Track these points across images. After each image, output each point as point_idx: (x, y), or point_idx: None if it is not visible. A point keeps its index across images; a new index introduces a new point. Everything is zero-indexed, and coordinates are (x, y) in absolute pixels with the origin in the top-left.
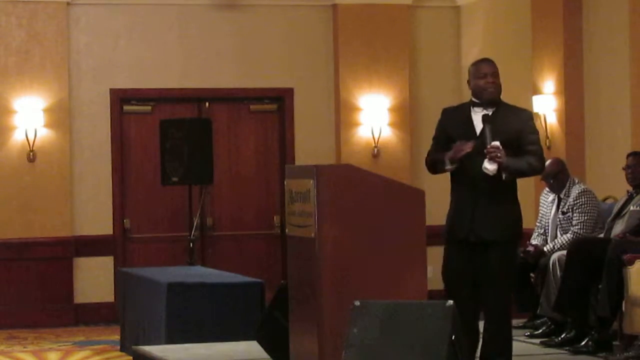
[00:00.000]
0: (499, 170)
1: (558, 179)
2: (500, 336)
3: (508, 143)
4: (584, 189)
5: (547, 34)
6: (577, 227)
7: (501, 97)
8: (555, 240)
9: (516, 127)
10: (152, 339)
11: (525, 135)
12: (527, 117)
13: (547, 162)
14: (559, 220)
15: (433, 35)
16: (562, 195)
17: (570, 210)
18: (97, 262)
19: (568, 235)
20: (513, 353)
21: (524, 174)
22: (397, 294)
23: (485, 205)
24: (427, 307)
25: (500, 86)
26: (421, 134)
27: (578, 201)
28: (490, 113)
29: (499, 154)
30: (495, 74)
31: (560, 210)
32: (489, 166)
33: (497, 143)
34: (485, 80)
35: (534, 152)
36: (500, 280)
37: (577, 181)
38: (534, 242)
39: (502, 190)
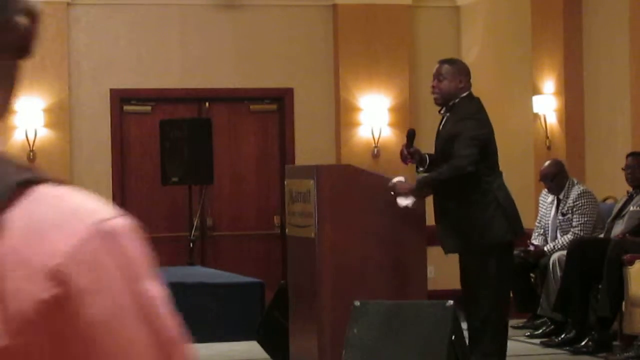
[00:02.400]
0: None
1: (557, 181)
2: (481, 345)
3: (443, 149)
4: (583, 190)
5: (547, 34)
6: (577, 228)
7: (500, 96)
8: (556, 241)
9: (449, 133)
10: None
11: (455, 139)
12: (458, 118)
13: (546, 164)
14: (559, 222)
15: (433, 35)
16: (561, 197)
17: (570, 211)
18: None
19: (568, 236)
20: (513, 353)
21: (437, 180)
22: (397, 294)
23: (443, 217)
24: (427, 307)
25: (445, 87)
26: (421, 134)
27: (578, 202)
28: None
29: (393, 191)
30: (441, 75)
31: (559, 211)
32: (399, 201)
33: (396, 180)
34: (432, 84)
35: (454, 155)
36: (473, 290)
37: (576, 182)
38: (534, 242)
39: (461, 197)
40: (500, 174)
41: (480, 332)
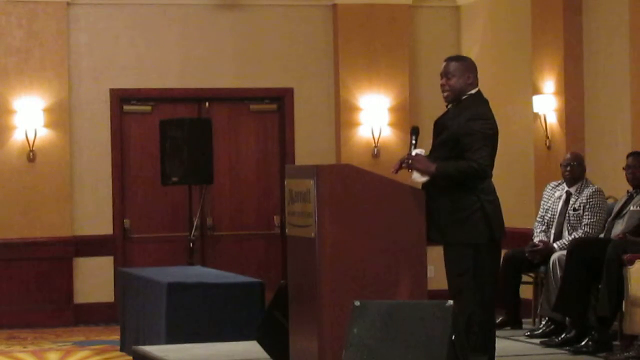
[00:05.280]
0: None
1: (574, 172)
2: (474, 336)
3: (444, 143)
4: (597, 189)
5: (547, 34)
6: (587, 226)
7: (500, 96)
8: (564, 239)
9: (453, 129)
10: (152, 339)
11: (461, 138)
12: (469, 117)
13: (568, 154)
14: (569, 217)
15: (433, 35)
16: (572, 191)
17: (582, 208)
18: (97, 262)
19: (579, 232)
20: (513, 353)
21: (455, 178)
22: (397, 294)
23: (432, 206)
24: (427, 307)
25: (454, 84)
26: (421, 134)
27: (591, 200)
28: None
29: (408, 162)
30: (449, 73)
31: (571, 206)
32: (414, 176)
33: (417, 151)
34: (440, 82)
35: (468, 157)
36: (454, 285)
37: (589, 181)
38: (538, 239)
39: (446, 191)
40: (491, 175)
41: (467, 328)
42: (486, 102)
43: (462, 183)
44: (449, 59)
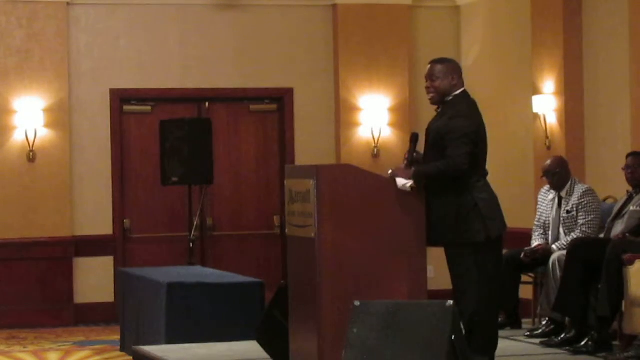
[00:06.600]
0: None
1: (559, 177)
2: (476, 336)
3: (432, 146)
4: (587, 188)
5: (547, 34)
6: (584, 226)
7: (500, 96)
8: (563, 239)
9: (439, 129)
10: (152, 339)
11: (445, 136)
12: (450, 116)
13: (548, 160)
14: (563, 220)
15: (433, 35)
16: (562, 194)
17: (575, 209)
18: (97, 262)
19: (577, 233)
20: (513, 353)
21: (434, 176)
22: (397, 294)
23: (430, 208)
24: (427, 307)
25: (439, 86)
26: (421, 134)
27: (583, 200)
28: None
29: (393, 176)
30: (434, 75)
31: (564, 209)
32: (401, 183)
33: (396, 168)
34: (425, 85)
35: (447, 154)
36: (457, 286)
37: (578, 181)
38: (536, 242)
39: (441, 193)
40: (485, 173)
41: (469, 328)
42: (470, 101)
43: (446, 181)
44: (433, 62)
